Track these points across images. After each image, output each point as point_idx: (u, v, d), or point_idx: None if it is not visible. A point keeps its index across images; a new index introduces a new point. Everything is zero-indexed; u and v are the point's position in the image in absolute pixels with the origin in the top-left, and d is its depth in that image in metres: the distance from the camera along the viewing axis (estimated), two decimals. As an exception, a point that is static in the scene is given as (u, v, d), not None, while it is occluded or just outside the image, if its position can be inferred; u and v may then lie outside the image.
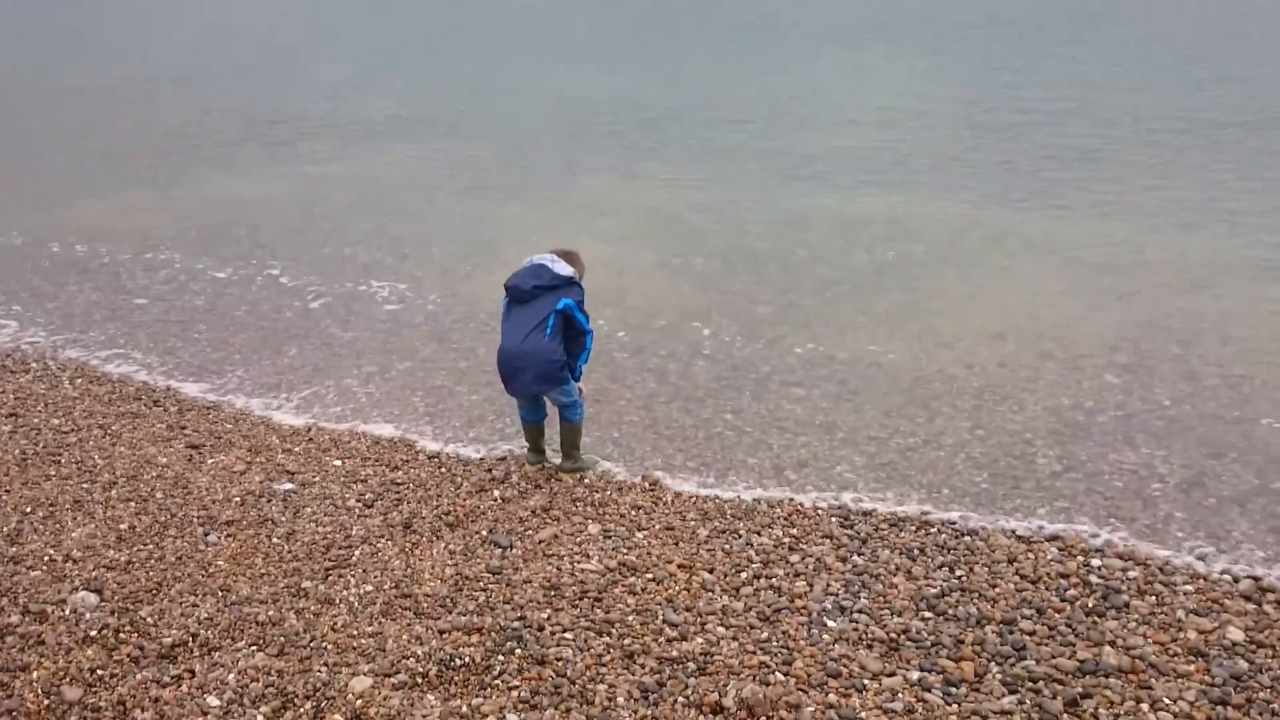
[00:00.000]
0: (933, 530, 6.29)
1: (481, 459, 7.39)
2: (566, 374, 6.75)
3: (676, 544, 6.13)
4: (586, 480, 7.00)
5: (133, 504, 6.53)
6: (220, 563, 5.84)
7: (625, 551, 6.01)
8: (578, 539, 6.18)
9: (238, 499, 6.62)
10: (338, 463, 7.27)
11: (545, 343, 6.59)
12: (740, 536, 6.21)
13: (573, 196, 14.62)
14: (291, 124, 20.37)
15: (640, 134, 18.94)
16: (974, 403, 8.09)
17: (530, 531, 6.28)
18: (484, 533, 6.25)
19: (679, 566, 5.84)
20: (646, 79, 25.55)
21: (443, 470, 7.16)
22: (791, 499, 6.75)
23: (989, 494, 6.79)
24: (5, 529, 6.16)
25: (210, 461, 7.21)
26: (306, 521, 6.35)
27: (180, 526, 6.24)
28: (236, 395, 8.63)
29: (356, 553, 5.98)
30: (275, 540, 6.10)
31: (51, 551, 5.90)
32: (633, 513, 6.54)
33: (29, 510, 6.41)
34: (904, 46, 30.08)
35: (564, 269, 6.77)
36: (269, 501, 6.61)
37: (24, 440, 7.52)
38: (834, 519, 6.43)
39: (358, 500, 6.65)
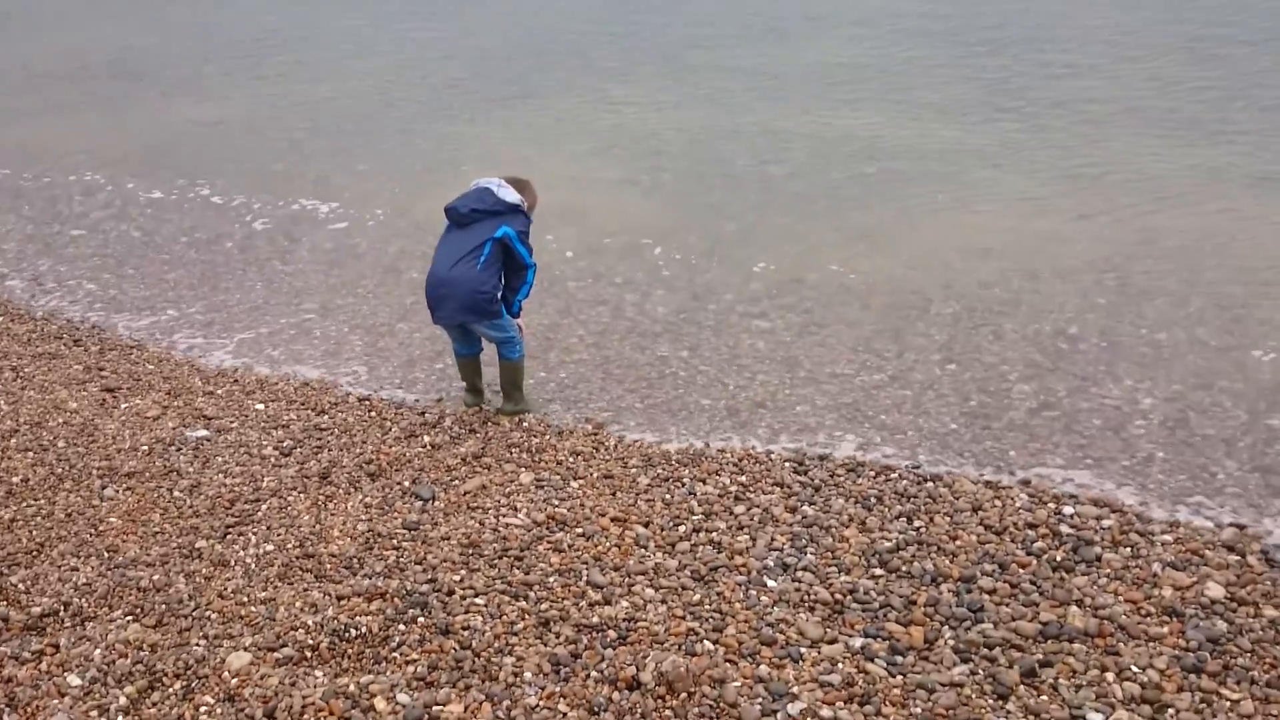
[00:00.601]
0: (893, 476, 5.79)
1: (416, 402, 6.89)
2: (499, 306, 6.22)
3: (614, 494, 5.65)
4: (525, 423, 6.50)
5: (30, 454, 6.06)
6: (113, 519, 5.37)
7: (556, 504, 5.53)
8: (507, 489, 5.70)
9: (145, 448, 6.14)
10: (260, 406, 6.78)
11: (476, 272, 6.07)
12: (683, 485, 5.73)
13: (538, 116, 13.96)
14: (256, 44, 19.53)
15: (608, 52, 18.18)
16: (949, 332, 7.57)
17: (457, 481, 5.80)
18: (406, 483, 5.77)
19: (612, 520, 5.36)
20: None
21: (372, 415, 6.68)
22: (744, 444, 6.23)
23: (957, 435, 6.29)
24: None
25: (124, 406, 6.73)
26: (215, 472, 5.87)
27: (77, 479, 5.77)
28: (164, 335, 8.13)
29: (264, 507, 5.51)
30: (177, 494, 5.63)
31: (-70, 509, 5.43)
32: (571, 459, 6.06)
33: (-84, 463, 5.94)
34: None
35: (509, 195, 6.22)
36: (178, 450, 6.12)
37: (-74, 385, 7.03)
38: (787, 465, 5.93)
39: (275, 448, 6.16)
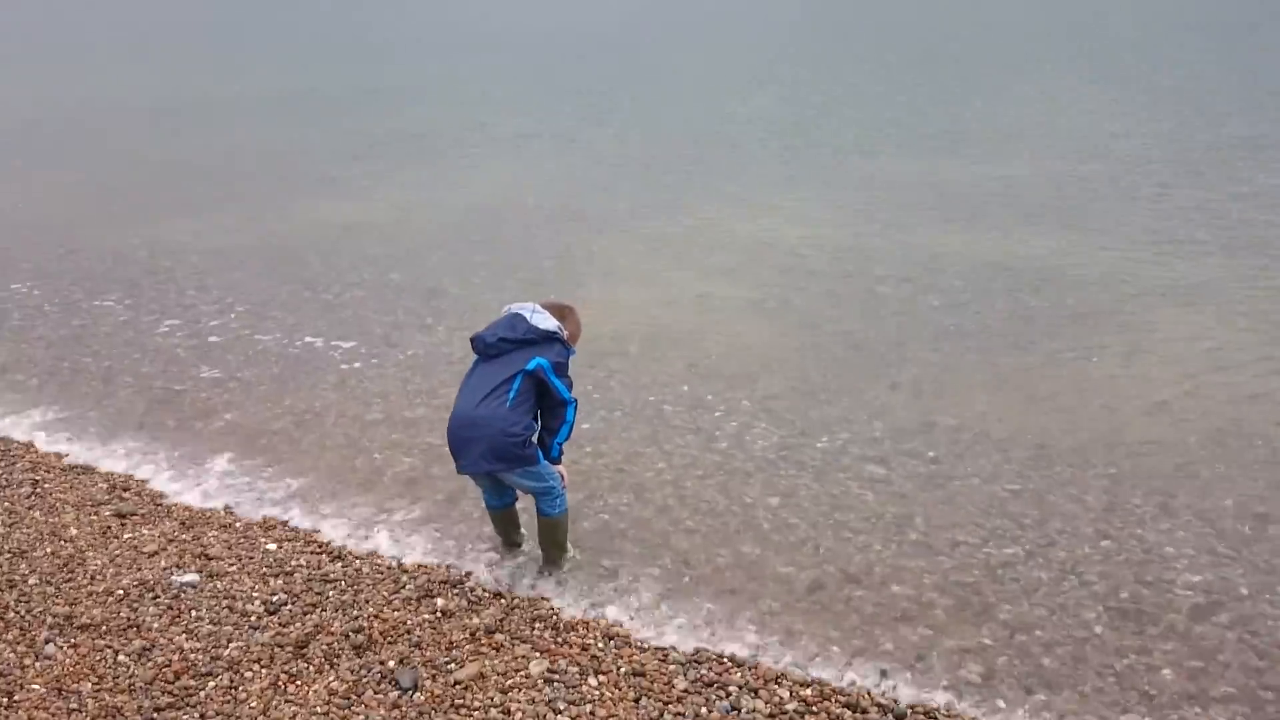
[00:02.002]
0: None
1: (445, 555, 5.89)
2: (533, 451, 5.19)
3: (637, 700, 4.48)
4: (562, 586, 5.42)
5: (-3, 593, 5.30)
6: (36, 685, 4.52)
7: (560, 709, 4.39)
8: (508, 682, 4.61)
9: (121, 592, 5.34)
10: (272, 546, 5.93)
11: (504, 410, 5.08)
12: (728, 695, 4.52)
13: (678, 227, 13.03)
14: (404, 143, 19.42)
15: (777, 157, 17.19)
16: (1105, 499, 6.14)
17: (453, 666, 4.73)
18: (393, 663, 4.72)
19: (620, 735, 4.18)
20: (799, 97, 23.75)
21: (389, 568, 5.69)
22: (816, 642, 4.98)
23: (1097, 644, 4.84)
24: None
25: (127, 537, 5.98)
26: (179, 631, 5.00)
27: (25, 628, 4.98)
28: (216, 456, 7.33)
29: (210, 685, 4.56)
30: (122, 658, 4.77)
31: None
32: (601, 644, 4.92)
33: None
34: (1105, 72, 27.29)
35: (544, 321, 5.26)
36: (155, 599, 5.27)
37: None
38: (868, 685, 4.63)
39: (264, 602, 5.26)
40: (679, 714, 4.41)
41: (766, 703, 4.49)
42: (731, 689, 4.58)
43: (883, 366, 8.37)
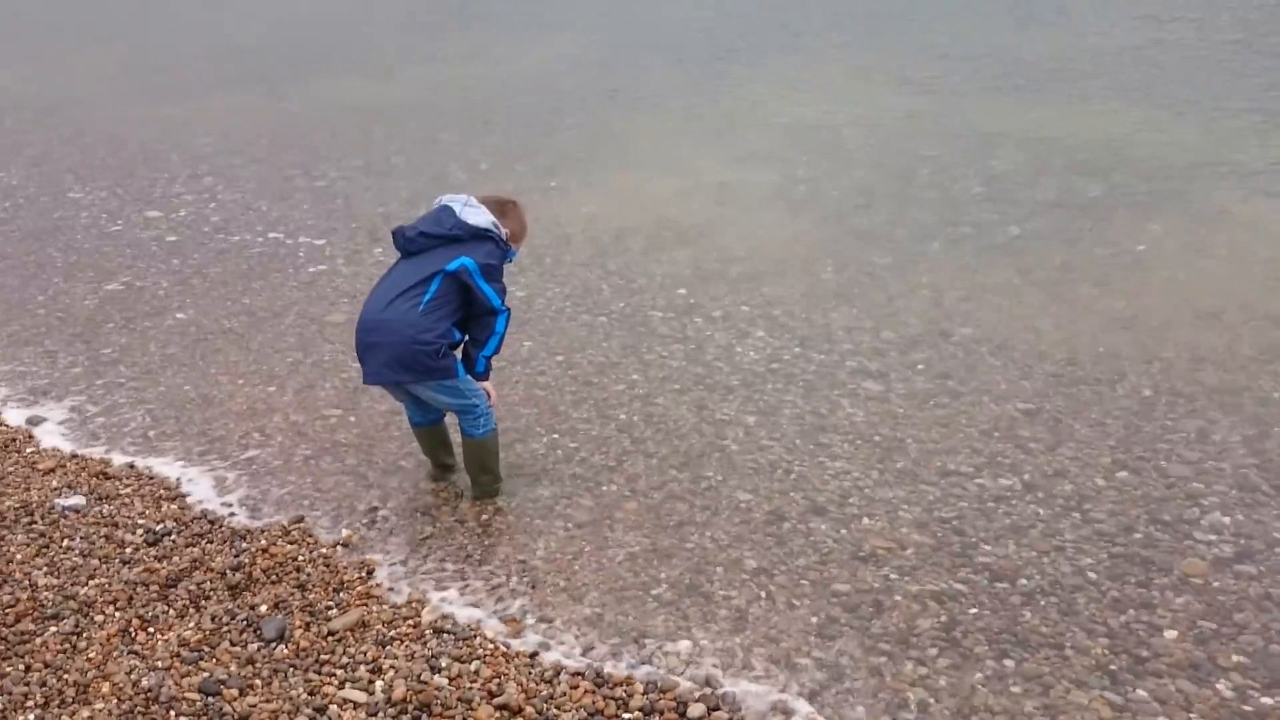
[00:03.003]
0: None
1: (374, 478, 5.24)
2: (448, 363, 4.47)
3: (532, 657, 3.81)
4: (484, 517, 4.75)
5: None
6: None
7: (442, 668, 3.74)
8: (391, 633, 3.96)
9: (-2, 513, 4.76)
10: (177, 464, 5.32)
11: (415, 315, 4.38)
12: (642, 646, 3.81)
13: (713, 107, 12.04)
14: (442, 23, 18.46)
15: (835, 25, 15.90)
16: (1132, 423, 5.29)
17: (334, 612, 4.08)
18: (265, 608, 4.10)
19: (497, 707, 3.52)
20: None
21: (302, 490, 5.06)
22: (750, 597, 4.24)
23: (1091, 591, 4.02)
24: None
25: (29, 451, 5.44)
26: (40, 563, 4.43)
27: None
28: (152, 358, 6.75)
29: (51, 630, 3.99)
30: (-36, 595, 4.18)
31: None
32: (511, 585, 4.25)
33: None
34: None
35: (477, 217, 4.53)
36: (30, 523, 4.71)
37: None
38: (786, 650, 3.89)
39: (147, 532, 4.66)
40: (576, 672, 3.72)
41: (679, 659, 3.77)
42: (648, 643, 3.86)
43: (905, 265, 7.48)
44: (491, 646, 3.88)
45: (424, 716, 3.53)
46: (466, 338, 4.65)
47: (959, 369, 5.99)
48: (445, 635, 3.94)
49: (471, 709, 3.54)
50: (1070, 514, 4.55)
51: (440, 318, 4.46)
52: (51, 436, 5.61)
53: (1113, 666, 3.64)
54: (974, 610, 3.98)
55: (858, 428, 5.42)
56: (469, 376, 4.64)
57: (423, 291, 4.44)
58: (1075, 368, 5.88)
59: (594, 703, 3.55)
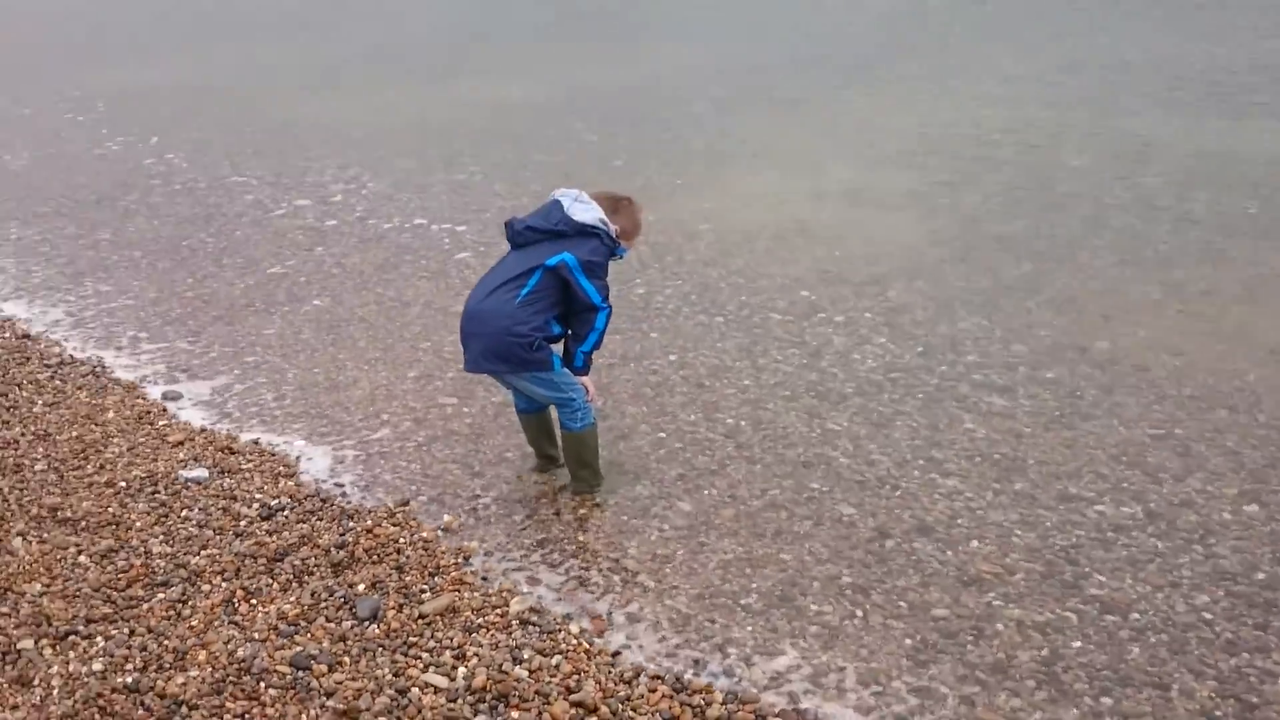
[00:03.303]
0: None
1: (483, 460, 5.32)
2: (543, 355, 4.51)
3: (615, 656, 3.81)
4: (580, 512, 4.77)
5: (1, 478, 5.09)
6: (-21, 583, 4.22)
7: (524, 660, 3.77)
8: (479, 620, 4.01)
9: (124, 484, 5.01)
10: (300, 443, 5.54)
11: (512, 306, 4.44)
12: (724, 659, 3.77)
13: (854, 109, 11.84)
14: (594, 20, 18.60)
15: (984, 30, 15.46)
16: (1268, 455, 4.98)
17: (427, 595, 4.16)
18: (363, 587, 4.20)
19: (573, 704, 3.52)
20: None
21: (410, 472, 5.18)
22: (844, 611, 4.14)
23: (1204, 637, 3.80)
24: None
25: (161, 424, 5.67)
26: (160, 532, 4.61)
27: (3, 519, 4.70)
28: (285, 343, 6.98)
29: (158, 597, 4.17)
30: (83, 560, 4.41)
31: None
32: (601, 580, 4.25)
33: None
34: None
35: (584, 213, 4.59)
36: (154, 493, 4.93)
37: None
38: (884, 669, 3.78)
39: (262, 507, 4.82)
40: (655, 675, 3.69)
41: (763, 672, 3.71)
42: (731, 651, 3.81)
43: (1044, 276, 7.22)
44: (575, 642, 3.88)
45: (501, 706, 3.54)
46: (569, 332, 4.66)
47: (1091, 388, 5.74)
48: (530, 627, 3.96)
49: (548, 703, 3.54)
50: (1191, 548, 4.31)
51: (537, 310, 4.49)
52: (185, 411, 5.86)
53: (1218, 712, 3.43)
54: (1078, 644, 3.80)
55: (976, 445, 5.24)
56: (566, 370, 4.65)
57: (522, 284, 4.49)
58: (1214, 393, 5.58)
59: (670, 708, 3.52)
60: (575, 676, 3.67)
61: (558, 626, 3.97)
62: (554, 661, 3.76)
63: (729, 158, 10.32)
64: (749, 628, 3.97)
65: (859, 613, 4.04)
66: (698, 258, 7.81)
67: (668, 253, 7.88)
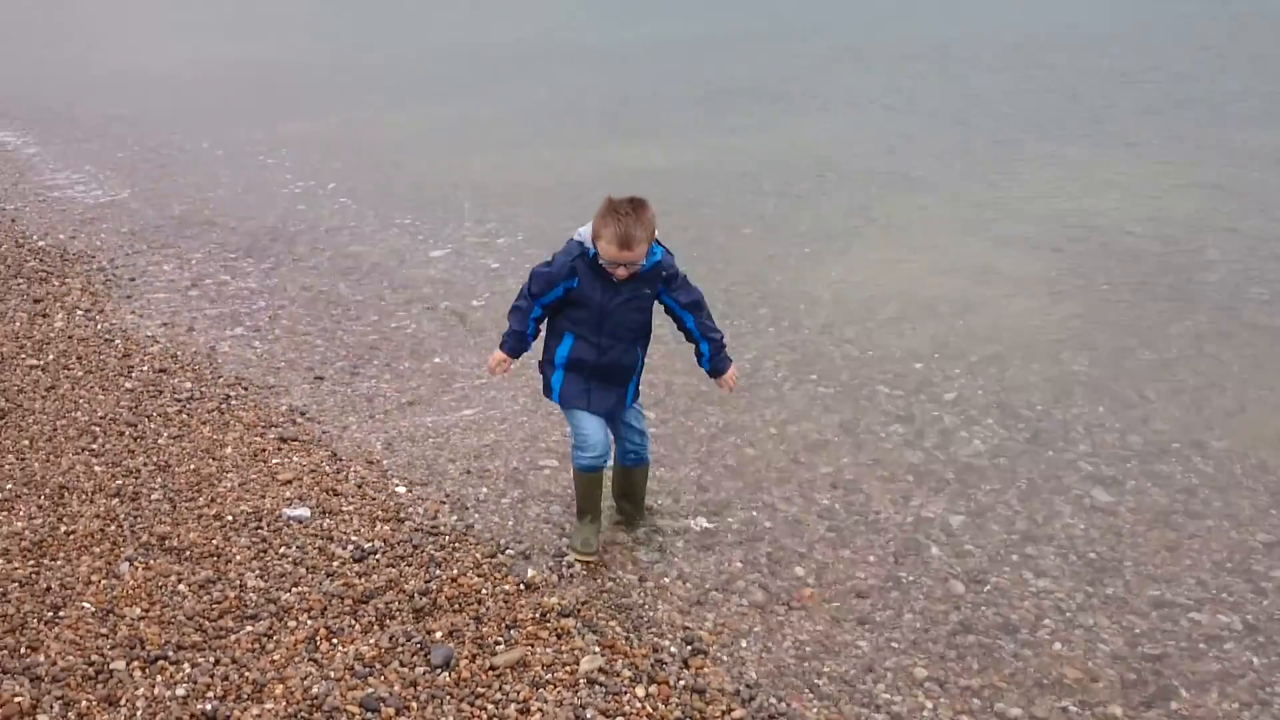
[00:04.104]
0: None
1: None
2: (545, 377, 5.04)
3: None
4: (666, 580, 4.82)
5: (114, 500, 5.39)
6: (86, 604, 4.48)
7: (589, 718, 3.81)
8: (548, 676, 4.08)
9: (231, 517, 5.26)
10: (401, 489, 5.70)
11: None
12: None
13: (988, 190, 11.69)
14: (734, 95, 18.79)
15: (1129, 117, 15.12)
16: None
17: (501, 647, 4.25)
18: (440, 635, 4.32)
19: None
20: (1174, 41, 20.85)
21: (497, 523, 5.31)
22: None
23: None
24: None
25: (274, 462, 5.94)
26: (254, 566, 4.83)
27: (116, 544, 4.98)
28: (402, 395, 7.23)
29: (246, 629, 4.35)
30: (181, 588, 4.63)
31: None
32: (673, 649, 4.30)
33: None
34: None
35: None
36: (254, 529, 5.16)
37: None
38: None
39: (356, 549, 5.00)
40: (718, 763, 3.68)
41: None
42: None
43: (1169, 366, 7.01)
44: (639, 705, 3.91)
45: (559, 767, 3.58)
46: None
47: (1204, 486, 5.54)
48: (597, 687, 4.00)
49: (600, 770, 3.56)
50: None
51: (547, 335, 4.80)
52: (297, 454, 6.10)
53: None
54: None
55: (1073, 541, 5.11)
56: (566, 405, 4.84)
57: None
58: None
59: (725, 782, 3.50)
60: (634, 742, 3.68)
61: (624, 689, 4.00)
62: (637, 698, 3.79)
63: (858, 230, 10.30)
64: (814, 709, 3.93)
65: (929, 706, 3.98)
66: (813, 326, 7.82)
67: (784, 319, 7.92)
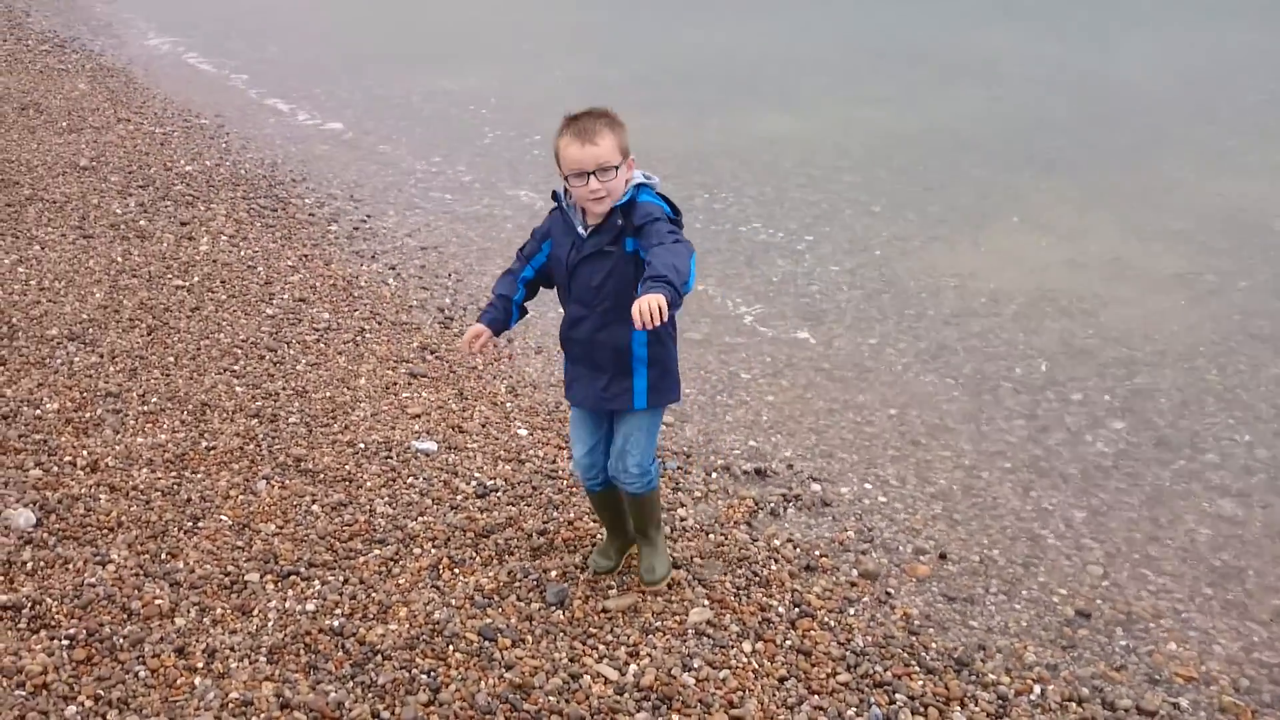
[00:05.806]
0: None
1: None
2: None
3: (782, 681, 3.91)
4: (777, 544, 4.86)
5: (254, 421, 5.63)
6: (224, 517, 4.72)
7: (693, 668, 3.92)
8: (658, 623, 4.17)
9: (363, 445, 5.47)
10: (523, 432, 5.84)
11: None
12: (889, 703, 3.79)
13: (1138, 177, 11.29)
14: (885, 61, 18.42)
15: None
16: None
17: (614, 591, 4.37)
18: (555, 574, 4.46)
19: (732, 718, 3.65)
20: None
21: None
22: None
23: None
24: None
25: (404, 396, 6.14)
26: (383, 491, 5.02)
27: (254, 461, 5.22)
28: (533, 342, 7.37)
29: (374, 552, 4.55)
30: (314, 509, 4.85)
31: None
32: (782, 609, 4.35)
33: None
34: None
35: None
36: (385, 458, 5.36)
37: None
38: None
39: (478, 486, 5.16)
40: (818, 707, 3.75)
41: (926, 725, 3.70)
42: (899, 698, 3.82)
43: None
44: (744, 660, 3.98)
45: (664, 708, 3.69)
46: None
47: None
48: (705, 639, 4.09)
49: (709, 712, 3.66)
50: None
51: None
52: (425, 390, 6.28)
53: None
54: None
55: (1196, 547, 5.03)
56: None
57: None
58: None
59: (828, 742, 3.56)
60: (739, 693, 3.77)
61: (731, 643, 4.08)
62: (721, 675, 3.88)
63: (991, 216, 10.12)
64: (920, 682, 3.95)
65: (1038, 689, 3.97)
66: (938, 314, 7.73)
67: (909, 306, 7.84)
